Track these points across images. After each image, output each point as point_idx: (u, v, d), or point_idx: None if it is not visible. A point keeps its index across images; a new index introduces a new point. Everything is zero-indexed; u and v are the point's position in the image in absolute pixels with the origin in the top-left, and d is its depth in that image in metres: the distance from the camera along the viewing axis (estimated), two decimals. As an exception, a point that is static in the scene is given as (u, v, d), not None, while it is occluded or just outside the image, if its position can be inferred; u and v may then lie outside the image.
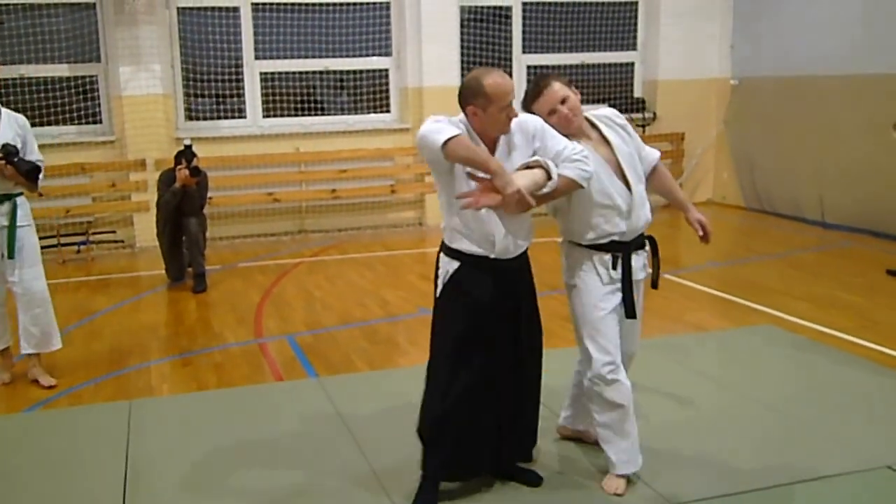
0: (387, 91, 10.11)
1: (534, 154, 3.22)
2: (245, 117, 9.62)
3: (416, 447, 3.50)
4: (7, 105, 8.69)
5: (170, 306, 6.86)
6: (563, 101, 3.34)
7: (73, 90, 9.04)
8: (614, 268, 3.47)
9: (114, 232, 9.07)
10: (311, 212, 9.70)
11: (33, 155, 4.84)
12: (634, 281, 3.55)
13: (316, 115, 9.89)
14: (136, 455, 3.99)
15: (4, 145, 4.64)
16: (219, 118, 9.55)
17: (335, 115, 10.07)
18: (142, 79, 8.84)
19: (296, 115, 9.81)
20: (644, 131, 10.63)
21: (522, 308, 3.44)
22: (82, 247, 8.80)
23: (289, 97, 9.83)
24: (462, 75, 9.98)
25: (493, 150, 3.18)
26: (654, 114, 10.66)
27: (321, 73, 9.92)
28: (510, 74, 10.21)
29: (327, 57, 9.83)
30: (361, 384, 5.00)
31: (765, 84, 10.10)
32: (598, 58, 10.75)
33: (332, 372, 5.22)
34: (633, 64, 10.90)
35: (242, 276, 7.81)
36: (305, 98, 9.96)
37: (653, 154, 3.71)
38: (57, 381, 5.04)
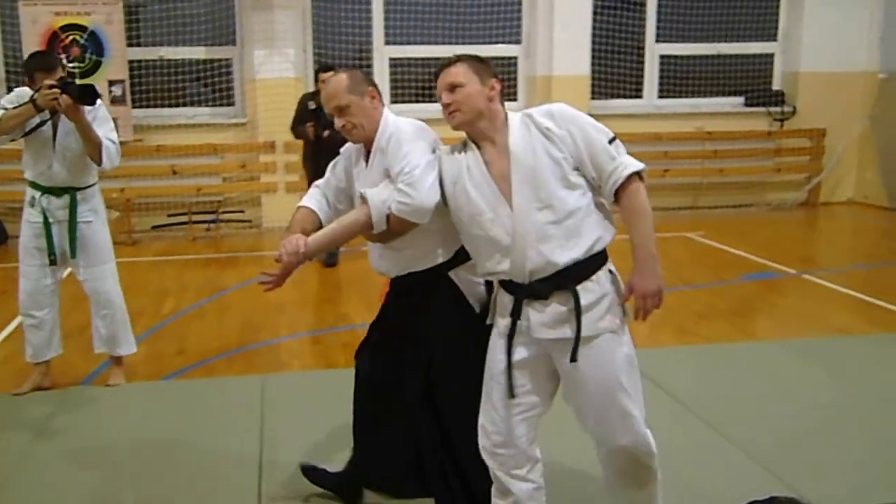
0: (514, 79, 9.96)
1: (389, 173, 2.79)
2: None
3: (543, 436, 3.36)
4: (143, 86, 9.08)
5: (297, 286, 6.87)
6: (451, 89, 2.67)
7: (208, 72, 9.26)
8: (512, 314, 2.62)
9: (242, 211, 9.25)
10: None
11: (102, 135, 4.27)
12: (537, 339, 2.60)
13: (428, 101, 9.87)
14: (269, 428, 4.00)
15: (62, 77, 4.19)
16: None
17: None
18: (275, 62, 8.96)
19: (421, 102, 9.79)
20: (781, 126, 10.16)
21: (433, 331, 2.96)
22: (212, 225, 9.00)
23: (412, 83, 9.82)
24: (593, 64, 9.76)
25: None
26: (794, 108, 10.15)
27: (436, 59, 9.83)
28: (642, 64, 10.13)
29: (455, 44, 9.76)
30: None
31: (917, 78, 9.51)
32: (736, 48, 10.31)
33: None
34: (772, 55, 10.41)
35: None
36: (431, 85, 9.90)
37: (621, 170, 2.55)
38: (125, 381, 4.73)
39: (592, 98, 9.86)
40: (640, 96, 10.25)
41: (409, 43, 9.67)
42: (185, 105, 9.17)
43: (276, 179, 9.00)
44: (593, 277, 2.56)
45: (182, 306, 6.32)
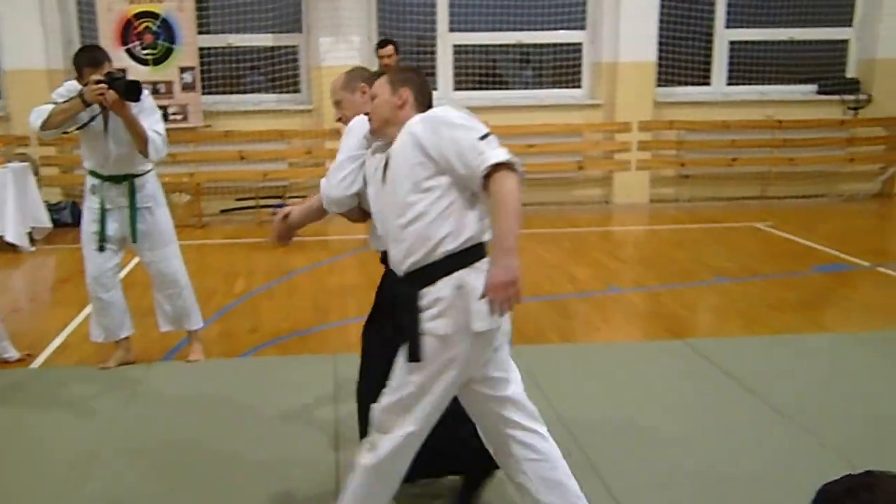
0: (579, 65, 9.89)
1: None
2: (437, 89, 9.67)
3: (620, 430, 3.36)
4: (212, 73, 9.23)
5: (362, 269, 6.97)
6: (371, 99, 2.81)
7: (274, 59, 9.37)
8: None
9: (307, 197, 9.33)
10: (497, 186, 9.64)
11: (146, 123, 4.35)
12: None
13: (500, 89, 9.85)
14: (341, 406, 4.05)
15: (109, 72, 4.24)
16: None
17: (519, 89, 9.97)
18: (340, 50, 9.03)
19: (483, 89, 9.79)
20: (856, 114, 9.92)
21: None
22: (278, 209, 9.11)
23: (472, 70, 9.81)
24: (660, 51, 9.64)
25: None
26: (869, 96, 9.89)
27: (507, 46, 9.84)
28: (710, 50, 9.96)
29: (520, 30, 9.73)
30: (556, 356, 4.89)
31: None
32: (809, 34, 10.08)
33: (526, 342, 5.13)
34: (847, 41, 10.15)
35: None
36: (491, 72, 9.93)
37: (484, 160, 2.48)
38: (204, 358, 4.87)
39: (658, 85, 9.73)
40: (707, 83, 10.09)
41: (473, 30, 9.66)
42: (252, 92, 9.31)
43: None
44: (438, 283, 2.55)
45: (252, 287, 6.45)
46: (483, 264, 2.56)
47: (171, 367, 4.80)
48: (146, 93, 4.45)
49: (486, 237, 2.62)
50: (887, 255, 7.36)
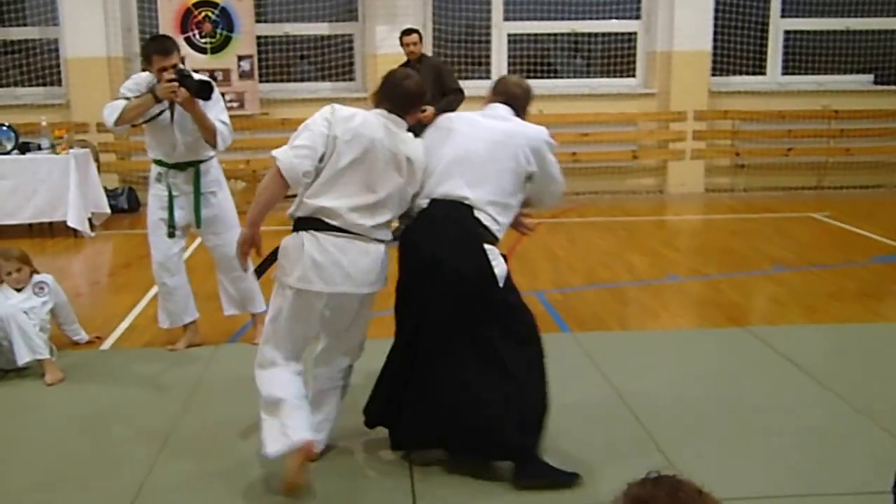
0: (633, 55, 9.86)
1: None
2: (491, 78, 9.70)
3: (686, 413, 3.37)
4: (269, 61, 9.35)
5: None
6: None
7: (330, 48, 9.47)
8: None
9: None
10: (549, 175, 9.66)
11: (211, 113, 4.47)
12: None
13: (551, 77, 9.86)
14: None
15: (180, 69, 4.36)
16: (464, 78, 9.67)
17: (570, 78, 9.98)
18: (396, 38, 9.06)
19: (539, 77, 9.79)
20: (910, 105, 9.79)
21: None
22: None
23: (524, 59, 9.83)
24: (715, 41, 9.56)
25: None
26: (927, 85, 9.76)
27: (560, 35, 9.84)
28: (766, 40, 9.85)
29: (574, 19, 9.72)
30: (617, 343, 4.91)
31: None
32: (866, 24, 9.93)
33: (584, 329, 5.17)
34: (905, 30, 10.02)
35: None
36: (541, 61, 9.94)
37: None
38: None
39: (713, 75, 9.67)
40: (763, 73, 10.00)
41: (527, 19, 9.67)
42: (308, 80, 9.42)
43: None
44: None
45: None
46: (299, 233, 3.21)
47: (237, 349, 4.89)
48: (211, 82, 4.53)
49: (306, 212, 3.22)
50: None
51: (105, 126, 4.53)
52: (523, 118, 3.49)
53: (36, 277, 4.66)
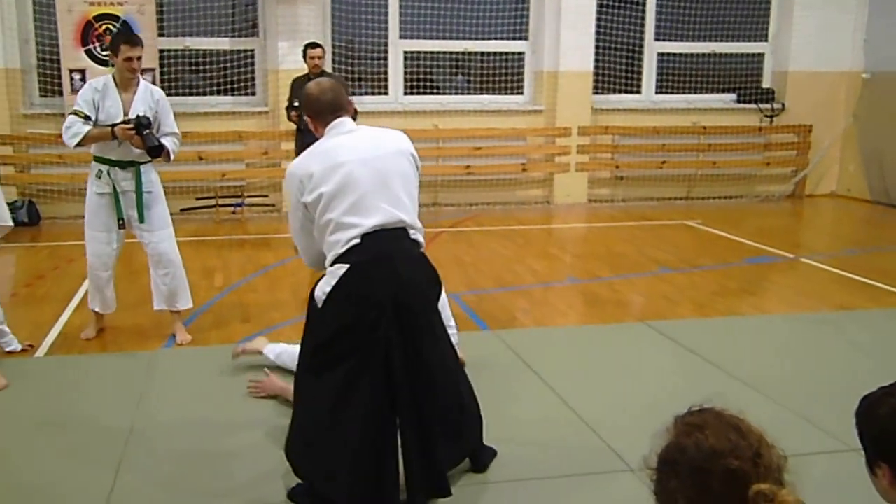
0: (521, 73, 10.46)
1: None
2: (387, 94, 10.10)
3: (610, 398, 3.81)
4: (170, 75, 9.44)
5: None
6: None
7: (231, 62, 9.64)
8: None
9: (266, 195, 9.66)
10: (445, 186, 10.13)
11: (167, 127, 5.04)
12: None
13: (438, 93, 10.35)
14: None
15: (138, 117, 4.80)
16: (363, 94, 10.04)
17: (458, 94, 10.48)
18: (297, 54, 9.33)
19: (432, 94, 10.26)
20: (771, 122, 10.77)
21: None
22: (237, 208, 9.40)
23: (417, 75, 10.29)
24: (596, 61, 10.27)
25: None
26: (783, 105, 10.77)
27: (445, 53, 10.35)
28: (641, 61, 10.64)
29: (466, 38, 10.23)
30: (534, 337, 5.38)
31: (898, 78, 10.17)
32: (729, 48, 10.91)
33: (502, 326, 5.62)
34: (763, 55, 11.02)
35: (391, 241, 8.27)
36: (426, 78, 10.39)
37: None
38: (192, 338, 5.29)
39: (595, 93, 10.38)
40: (639, 91, 10.80)
41: (422, 37, 10.12)
42: (209, 94, 9.57)
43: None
44: None
45: (231, 281, 6.74)
46: None
47: (173, 353, 5.12)
48: (163, 95, 5.05)
49: None
50: (807, 247, 8.17)
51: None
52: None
53: (-27, 290, 4.73)
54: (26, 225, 8.82)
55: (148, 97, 5.00)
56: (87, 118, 4.84)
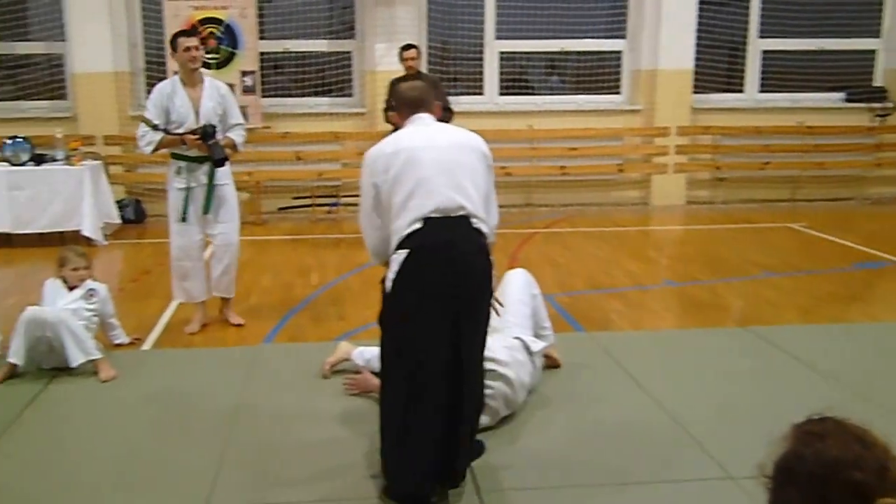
0: (618, 72, 10.30)
1: None
2: (482, 94, 10.09)
3: (712, 404, 3.68)
4: (270, 77, 9.64)
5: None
6: None
7: (329, 64, 9.79)
8: None
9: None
10: (539, 186, 10.06)
11: (234, 119, 5.39)
12: None
13: (533, 94, 10.27)
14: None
15: (203, 127, 5.16)
16: (458, 94, 10.04)
17: (554, 94, 10.38)
18: (394, 55, 9.42)
19: (529, 94, 10.20)
20: (883, 121, 10.33)
21: None
22: (333, 208, 9.54)
23: (511, 75, 10.22)
24: (697, 60, 10.03)
25: None
26: (894, 104, 10.30)
27: (542, 53, 10.26)
28: (744, 59, 10.34)
29: (563, 38, 10.13)
30: (630, 340, 5.28)
31: None
32: (838, 44, 10.50)
33: (596, 328, 5.53)
34: (874, 51, 10.57)
35: (485, 242, 8.25)
36: (520, 78, 10.33)
37: None
38: (244, 321, 5.62)
39: (695, 92, 10.14)
40: (741, 91, 10.50)
41: (518, 37, 10.08)
42: (307, 95, 9.74)
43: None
44: None
45: (327, 280, 6.83)
46: None
47: (274, 349, 5.21)
48: (228, 89, 5.46)
49: None
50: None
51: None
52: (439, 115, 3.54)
53: (89, 283, 4.91)
54: (132, 222, 9.13)
55: (214, 92, 5.30)
56: (155, 127, 5.19)
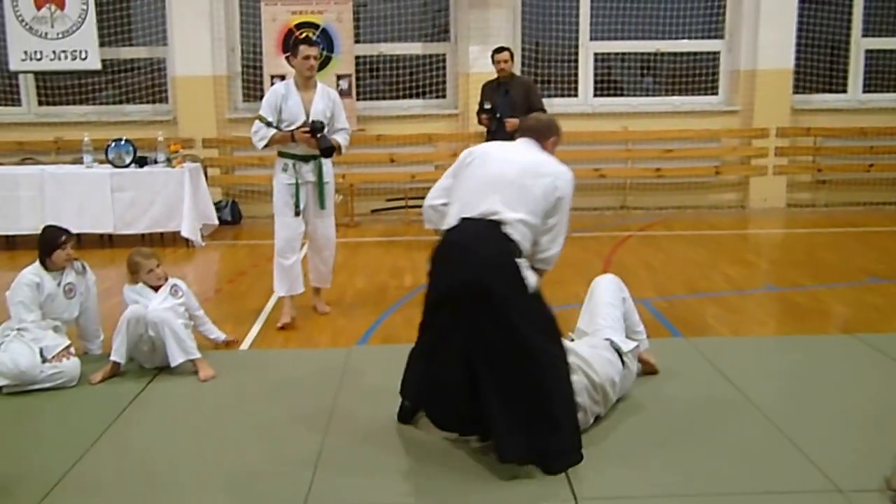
0: (715, 73, 10.08)
1: None
2: (577, 96, 10.00)
3: (820, 415, 3.54)
4: (365, 79, 9.76)
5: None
6: None
7: (423, 67, 9.85)
8: None
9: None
10: (634, 189, 9.92)
11: (340, 123, 5.66)
12: None
13: (628, 95, 10.12)
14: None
15: (313, 122, 5.39)
16: (550, 96, 9.98)
17: (646, 96, 10.22)
18: (486, 58, 9.42)
19: (623, 95, 10.07)
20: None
21: None
22: (425, 210, 9.57)
23: (604, 76, 10.11)
24: (797, 59, 9.75)
25: None
26: None
27: (637, 54, 10.11)
28: (847, 58, 9.99)
29: (659, 38, 9.98)
30: (731, 347, 5.14)
31: None
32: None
33: (696, 334, 5.40)
34: None
35: (577, 244, 8.14)
36: (612, 79, 10.20)
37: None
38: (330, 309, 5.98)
39: (795, 92, 9.85)
40: (844, 91, 10.16)
41: (612, 38, 9.96)
42: (401, 98, 9.82)
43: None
44: None
45: (421, 282, 6.79)
46: None
47: (369, 350, 5.25)
48: (337, 95, 5.80)
49: None
50: None
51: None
52: (550, 151, 3.84)
53: (170, 280, 5.01)
54: (229, 224, 9.37)
55: (325, 96, 5.61)
56: (269, 124, 5.46)
